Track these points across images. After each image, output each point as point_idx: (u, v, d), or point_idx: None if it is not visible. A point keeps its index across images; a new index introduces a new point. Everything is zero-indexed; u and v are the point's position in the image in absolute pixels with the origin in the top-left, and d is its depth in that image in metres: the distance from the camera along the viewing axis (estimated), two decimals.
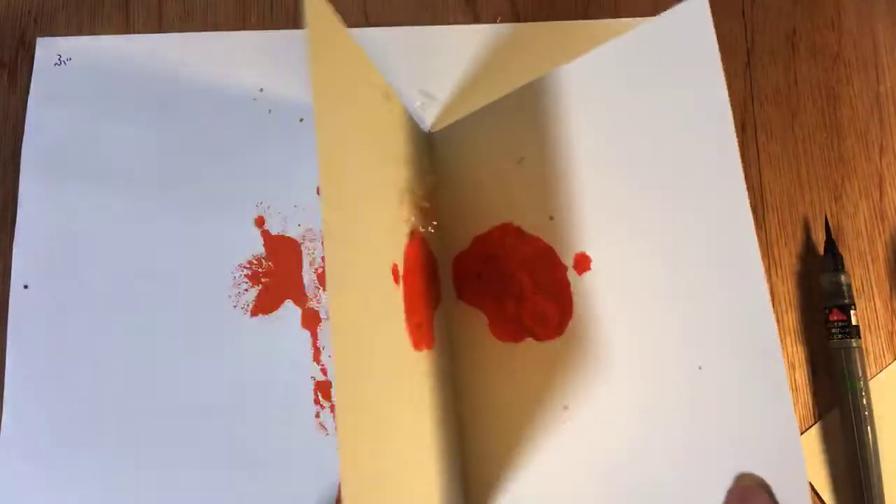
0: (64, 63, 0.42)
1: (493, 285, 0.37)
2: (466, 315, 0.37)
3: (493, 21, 0.42)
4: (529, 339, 0.35)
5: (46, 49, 0.42)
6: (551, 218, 0.36)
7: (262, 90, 0.41)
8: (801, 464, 0.29)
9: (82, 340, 0.38)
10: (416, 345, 0.33)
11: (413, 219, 0.35)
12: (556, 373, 0.34)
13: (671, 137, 0.32)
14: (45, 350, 0.38)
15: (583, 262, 0.35)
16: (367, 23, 0.43)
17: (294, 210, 0.40)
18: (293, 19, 0.43)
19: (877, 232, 0.41)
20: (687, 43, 0.32)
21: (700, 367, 0.31)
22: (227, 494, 0.36)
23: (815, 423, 0.39)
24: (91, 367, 0.38)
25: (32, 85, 0.41)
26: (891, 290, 0.40)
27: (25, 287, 0.39)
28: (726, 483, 0.30)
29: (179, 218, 0.39)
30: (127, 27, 0.42)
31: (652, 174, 0.33)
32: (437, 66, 0.42)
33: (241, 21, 0.43)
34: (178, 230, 0.39)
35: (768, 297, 0.30)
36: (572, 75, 0.35)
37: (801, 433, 0.38)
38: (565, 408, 0.34)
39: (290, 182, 0.40)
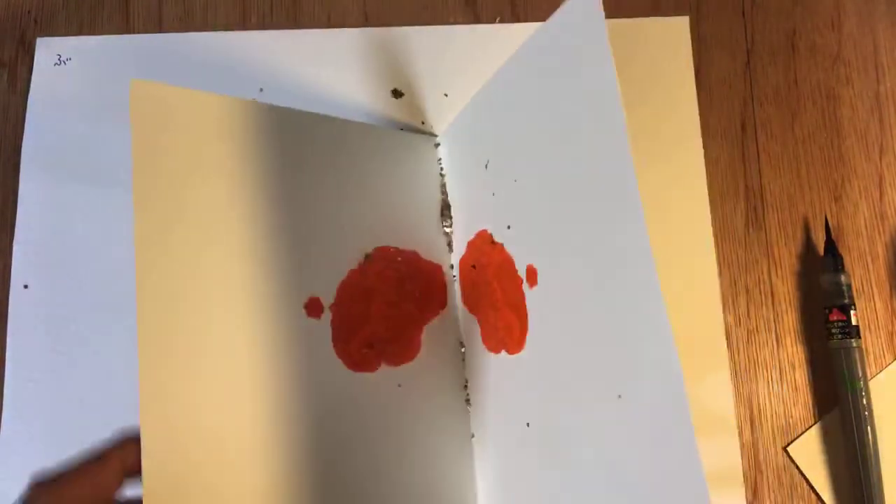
0: (64, 63, 0.42)
1: (478, 293, 0.36)
2: (467, 321, 0.37)
3: (493, 21, 0.42)
4: (503, 352, 0.34)
5: (46, 49, 0.42)
6: (508, 227, 0.34)
7: (261, 90, 0.41)
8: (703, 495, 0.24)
9: (82, 340, 0.38)
10: (359, 366, 0.35)
11: (370, 251, 0.36)
12: (519, 388, 0.33)
13: (570, 143, 0.28)
14: (45, 350, 0.38)
15: (532, 275, 0.32)
16: (367, 23, 0.43)
17: None
18: (293, 19, 0.43)
19: (877, 232, 0.41)
20: (578, 42, 0.28)
21: (619, 396, 0.27)
22: None
23: (815, 423, 0.39)
24: (91, 366, 0.38)
25: (32, 85, 0.41)
26: (891, 290, 0.40)
27: (25, 287, 0.39)
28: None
29: None
30: (127, 27, 0.42)
31: (562, 185, 0.30)
32: (440, 66, 0.42)
33: (241, 21, 0.43)
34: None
35: (665, 314, 0.24)
36: (506, 79, 0.33)
37: (801, 433, 0.38)
38: (527, 425, 0.32)
39: None
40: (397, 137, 0.38)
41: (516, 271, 0.33)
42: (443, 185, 0.39)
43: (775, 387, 0.39)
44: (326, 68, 0.42)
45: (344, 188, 0.35)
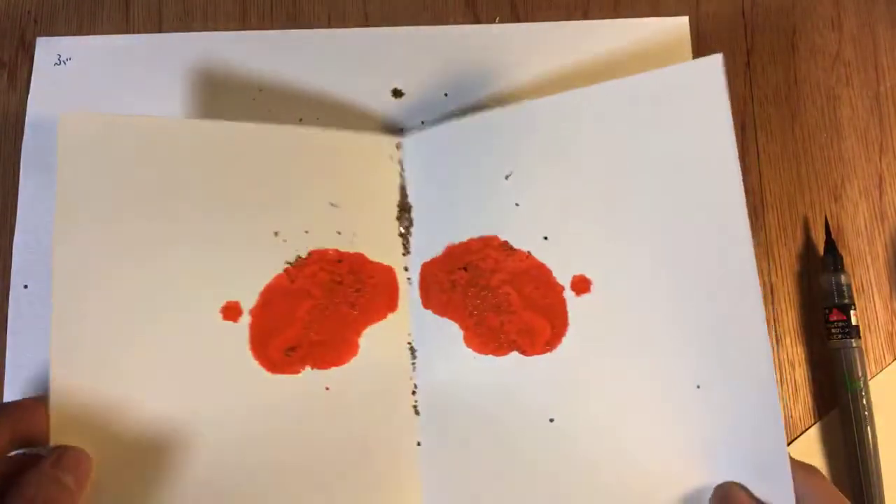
0: (64, 63, 0.42)
1: (472, 297, 0.36)
2: (434, 325, 0.37)
3: (492, 21, 0.42)
4: (515, 353, 0.35)
5: (46, 49, 0.42)
6: (545, 238, 0.35)
7: (261, 90, 0.41)
8: (788, 481, 0.29)
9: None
10: (279, 368, 0.35)
11: (300, 253, 0.36)
12: (547, 385, 0.34)
13: (673, 175, 0.33)
14: (46, 350, 0.38)
15: (582, 284, 0.34)
16: (367, 23, 0.43)
17: None
18: (293, 19, 0.43)
19: (877, 232, 0.41)
20: (697, 96, 0.33)
21: (699, 386, 0.32)
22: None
23: (815, 423, 0.39)
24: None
25: (32, 85, 0.41)
26: (891, 290, 0.40)
27: (25, 287, 0.39)
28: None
29: None
30: (127, 27, 0.42)
31: (653, 206, 0.33)
32: (440, 67, 0.42)
33: (240, 21, 0.43)
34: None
35: (764, 325, 0.30)
36: (571, 103, 0.35)
37: (801, 433, 0.38)
38: (551, 420, 0.34)
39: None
40: (350, 140, 0.38)
41: (554, 279, 0.35)
42: (402, 187, 0.38)
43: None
44: (326, 68, 0.42)
45: (280, 194, 0.36)
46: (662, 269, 0.33)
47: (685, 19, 0.42)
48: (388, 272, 0.37)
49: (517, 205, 0.35)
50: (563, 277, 0.35)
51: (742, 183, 0.31)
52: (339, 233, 0.37)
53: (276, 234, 0.36)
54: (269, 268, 0.36)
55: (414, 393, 0.37)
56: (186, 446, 0.33)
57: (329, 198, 0.37)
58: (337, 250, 0.37)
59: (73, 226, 0.33)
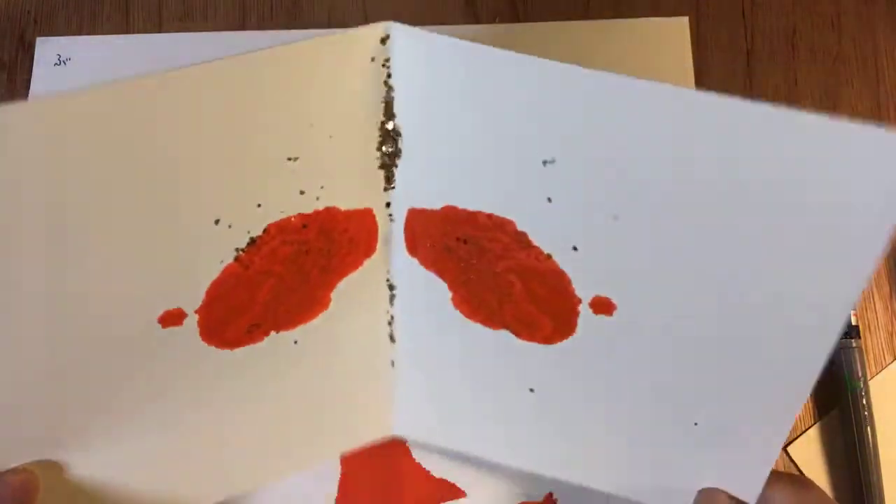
0: (64, 63, 0.42)
1: (468, 271, 0.31)
2: (419, 275, 0.32)
3: (492, 20, 0.42)
4: (507, 331, 0.32)
5: (46, 49, 0.42)
6: (575, 248, 0.29)
7: None
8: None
9: None
10: (242, 343, 0.31)
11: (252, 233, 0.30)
12: (536, 371, 0.32)
13: (775, 240, 0.26)
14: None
15: (603, 306, 0.30)
16: (367, 22, 0.42)
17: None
18: (293, 19, 0.43)
19: None
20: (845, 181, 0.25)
21: (696, 424, 0.30)
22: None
23: (815, 423, 0.39)
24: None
25: (32, 85, 0.41)
26: (891, 290, 0.40)
27: None
28: None
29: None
30: (127, 27, 0.42)
31: (724, 250, 0.27)
32: None
33: (240, 21, 0.43)
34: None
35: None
36: (673, 99, 0.25)
37: (801, 433, 0.38)
38: (531, 390, 0.33)
39: None
40: (312, 51, 0.27)
41: (572, 291, 0.30)
42: (387, 102, 0.29)
43: None
44: None
45: (215, 168, 0.27)
46: (708, 325, 0.28)
47: (685, 19, 0.42)
48: (366, 216, 0.31)
49: (549, 200, 0.28)
50: (584, 293, 0.30)
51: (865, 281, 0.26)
52: (302, 192, 0.29)
53: (216, 221, 0.28)
54: (213, 262, 0.29)
55: (390, 324, 0.34)
56: (148, 446, 0.32)
57: (285, 152, 0.28)
58: (301, 214, 0.30)
59: None
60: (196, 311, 0.30)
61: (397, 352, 0.35)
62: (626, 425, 0.32)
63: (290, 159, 0.28)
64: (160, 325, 0.29)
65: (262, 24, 0.42)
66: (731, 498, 0.30)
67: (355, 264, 0.32)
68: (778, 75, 0.42)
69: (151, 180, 0.26)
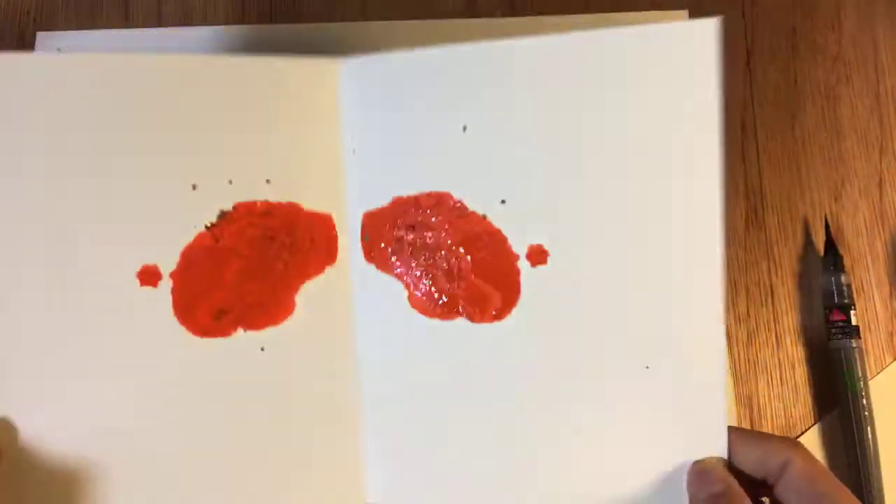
0: None
1: (420, 257, 0.34)
2: (377, 281, 0.34)
3: (491, 13, 0.42)
4: (462, 319, 0.33)
5: (45, 43, 0.42)
6: (503, 202, 0.33)
7: None
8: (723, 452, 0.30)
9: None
10: (208, 332, 0.32)
11: (230, 206, 0.33)
12: (494, 355, 0.33)
13: (648, 141, 0.31)
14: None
15: (538, 255, 0.33)
16: (366, 15, 0.43)
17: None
18: (293, 17, 0.43)
19: (877, 232, 0.41)
20: (682, 57, 0.30)
21: (647, 367, 0.31)
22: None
23: (815, 423, 0.39)
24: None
25: None
26: (891, 290, 0.40)
27: None
28: (654, 473, 0.32)
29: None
30: (126, 27, 0.42)
31: (622, 174, 0.31)
32: None
33: (240, 18, 0.43)
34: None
35: (723, 317, 0.30)
36: (539, 51, 0.32)
37: (802, 433, 0.38)
38: (498, 387, 0.33)
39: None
40: (284, 68, 0.34)
41: (509, 247, 0.33)
42: (342, 123, 0.34)
43: (775, 387, 0.39)
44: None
45: (198, 139, 0.32)
46: (623, 245, 0.31)
47: (685, 13, 0.42)
48: (326, 221, 0.34)
49: (474, 161, 0.33)
50: (519, 246, 0.33)
51: (722, 165, 0.29)
52: (269, 181, 0.33)
53: (194, 186, 0.32)
54: (189, 226, 0.32)
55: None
56: (112, 422, 0.32)
57: (258, 140, 0.33)
58: (266, 201, 0.33)
59: None
60: (171, 275, 0.32)
61: (364, 381, 0.34)
62: (590, 393, 0.32)
63: (261, 147, 0.33)
64: (138, 282, 0.32)
65: (262, 22, 0.42)
66: (725, 464, 0.30)
67: (317, 269, 0.34)
68: (778, 75, 0.42)
69: (142, 140, 0.32)
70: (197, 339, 0.33)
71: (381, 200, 0.34)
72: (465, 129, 0.33)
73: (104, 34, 0.42)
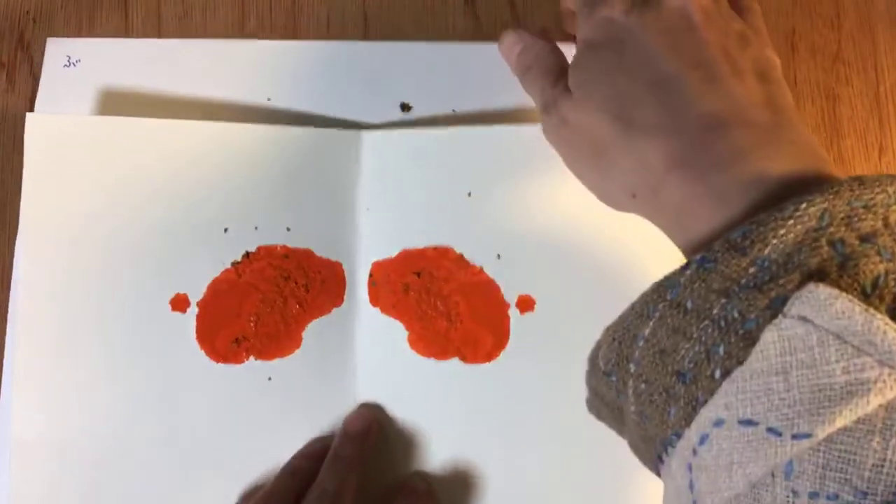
0: (73, 65, 0.41)
1: (422, 302, 0.38)
2: (380, 323, 0.38)
3: (492, 22, 0.42)
4: (456, 359, 0.38)
5: (56, 50, 0.41)
6: (499, 256, 0.38)
7: (269, 99, 0.41)
8: None
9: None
10: (223, 358, 0.37)
11: (249, 251, 0.38)
12: (483, 392, 0.37)
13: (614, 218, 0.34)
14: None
15: (526, 303, 0.38)
16: (367, 23, 0.43)
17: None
18: (293, 18, 0.43)
19: None
20: None
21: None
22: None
23: None
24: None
25: (41, 85, 0.41)
26: None
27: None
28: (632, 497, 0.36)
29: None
30: (126, 27, 0.42)
31: (600, 236, 0.37)
32: (448, 83, 0.41)
33: (239, 21, 0.43)
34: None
35: None
36: (530, 134, 0.37)
37: None
38: (487, 424, 0.37)
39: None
40: (310, 135, 0.39)
41: (502, 297, 0.38)
42: (359, 184, 0.39)
43: None
44: (334, 78, 0.41)
45: (232, 191, 0.38)
46: (600, 297, 0.35)
47: None
48: (336, 267, 0.38)
49: (476, 222, 0.38)
50: (510, 295, 0.38)
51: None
52: (289, 229, 0.38)
53: (225, 230, 0.38)
54: (218, 262, 0.38)
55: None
56: (128, 432, 0.36)
57: (283, 195, 0.38)
58: (285, 246, 0.38)
59: (38, 219, 0.37)
60: (197, 304, 0.37)
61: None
62: (570, 428, 0.37)
63: (285, 201, 0.38)
64: (170, 308, 0.37)
65: (262, 25, 0.42)
66: None
67: (325, 308, 0.38)
68: None
69: (186, 191, 0.38)
70: (213, 363, 0.37)
71: (390, 251, 0.38)
72: (469, 194, 0.38)
73: (115, 43, 0.42)
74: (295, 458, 0.36)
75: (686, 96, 0.26)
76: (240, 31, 0.42)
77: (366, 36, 0.42)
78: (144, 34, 0.42)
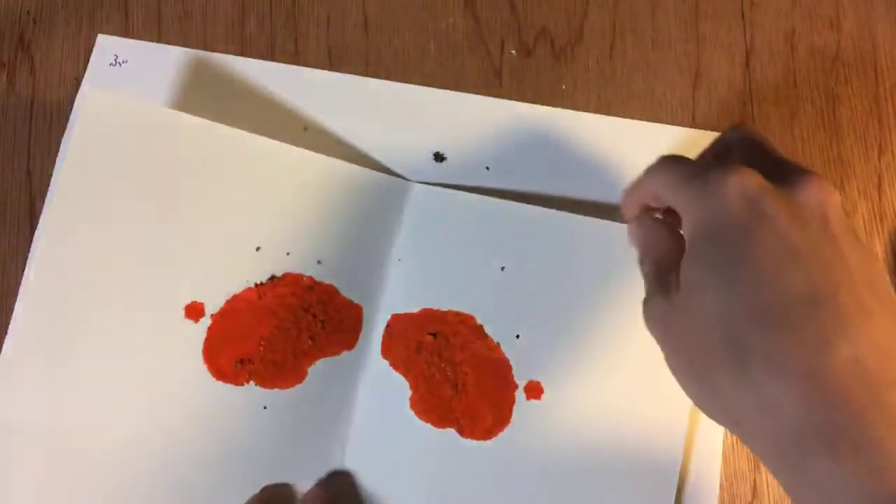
0: (119, 64, 0.41)
1: (432, 364, 0.37)
2: (386, 377, 0.37)
3: (492, 22, 0.42)
4: (453, 430, 0.37)
5: (105, 47, 0.41)
6: (517, 336, 0.37)
7: (305, 129, 0.41)
8: None
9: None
10: (224, 376, 0.36)
11: (274, 272, 0.37)
12: (473, 469, 0.36)
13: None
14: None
15: (534, 390, 0.37)
16: (367, 23, 0.42)
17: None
18: (293, 19, 0.43)
19: (876, 232, 0.41)
20: None
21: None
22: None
23: None
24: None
25: (85, 80, 0.41)
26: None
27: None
28: None
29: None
30: (126, 27, 0.42)
31: (613, 342, 0.37)
32: (483, 138, 0.41)
33: (239, 22, 0.43)
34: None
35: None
36: (568, 225, 0.38)
37: None
38: (470, 500, 0.36)
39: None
40: (361, 176, 0.38)
41: (512, 378, 0.37)
42: (396, 235, 0.38)
43: None
44: (370, 119, 0.41)
45: (274, 213, 0.38)
46: (610, 399, 0.36)
47: (715, 134, 0.42)
48: (356, 310, 0.38)
49: (504, 298, 0.37)
50: (520, 378, 0.37)
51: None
52: (320, 262, 0.37)
53: (258, 249, 0.37)
54: (242, 279, 0.37)
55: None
56: (108, 427, 0.36)
57: (322, 228, 0.38)
58: (311, 278, 0.37)
59: (70, 199, 0.36)
60: (212, 316, 0.37)
61: (348, 459, 0.37)
62: None
63: (323, 234, 0.38)
64: (184, 314, 0.36)
65: (261, 26, 0.42)
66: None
67: (336, 349, 0.37)
68: (778, 75, 0.42)
69: (232, 202, 0.37)
70: (213, 379, 0.36)
71: (412, 307, 0.38)
72: (503, 269, 0.38)
73: (164, 48, 0.42)
74: None
75: (828, 331, 0.20)
76: (240, 30, 0.42)
77: (366, 35, 0.42)
78: (144, 34, 0.42)
